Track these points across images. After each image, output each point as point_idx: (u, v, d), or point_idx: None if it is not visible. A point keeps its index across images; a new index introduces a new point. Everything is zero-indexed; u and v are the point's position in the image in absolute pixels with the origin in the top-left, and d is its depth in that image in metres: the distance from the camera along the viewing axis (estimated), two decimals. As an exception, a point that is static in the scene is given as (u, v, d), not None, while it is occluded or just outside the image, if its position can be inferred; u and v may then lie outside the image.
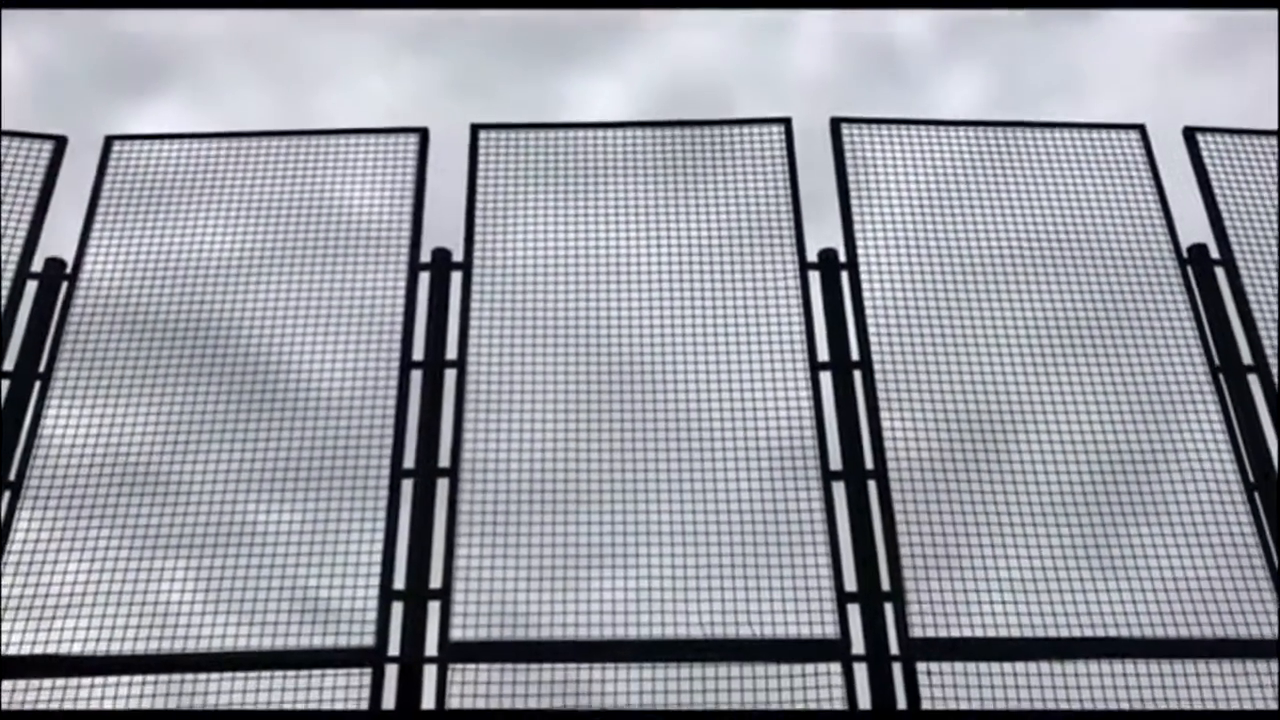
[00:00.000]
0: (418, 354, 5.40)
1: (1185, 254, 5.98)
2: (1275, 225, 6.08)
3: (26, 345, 5.47)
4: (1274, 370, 5.57)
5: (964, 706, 4.62)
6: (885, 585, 4.88)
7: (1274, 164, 6.34)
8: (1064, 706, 4.74)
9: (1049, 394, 5.44)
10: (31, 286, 5.64)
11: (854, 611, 4.81)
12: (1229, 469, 5.29)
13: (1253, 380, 5.55)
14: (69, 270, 5.74)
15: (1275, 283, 5.87)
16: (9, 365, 5.38)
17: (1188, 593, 5.00)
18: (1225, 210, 6.13)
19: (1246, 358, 5.64)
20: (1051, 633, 4.88)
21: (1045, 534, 5.08)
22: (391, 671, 4.56)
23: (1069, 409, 5.38)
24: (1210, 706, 4.80)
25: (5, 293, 5.54)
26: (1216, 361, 5.62)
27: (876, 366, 5.49)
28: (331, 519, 4.95)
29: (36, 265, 5.72)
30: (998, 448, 5.27)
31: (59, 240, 5.91)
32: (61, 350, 5.48)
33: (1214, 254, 5.99)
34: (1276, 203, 6.17)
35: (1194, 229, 6.12)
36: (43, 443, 5.28)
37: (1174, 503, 5.19)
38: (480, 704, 4.59)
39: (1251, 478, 5.27)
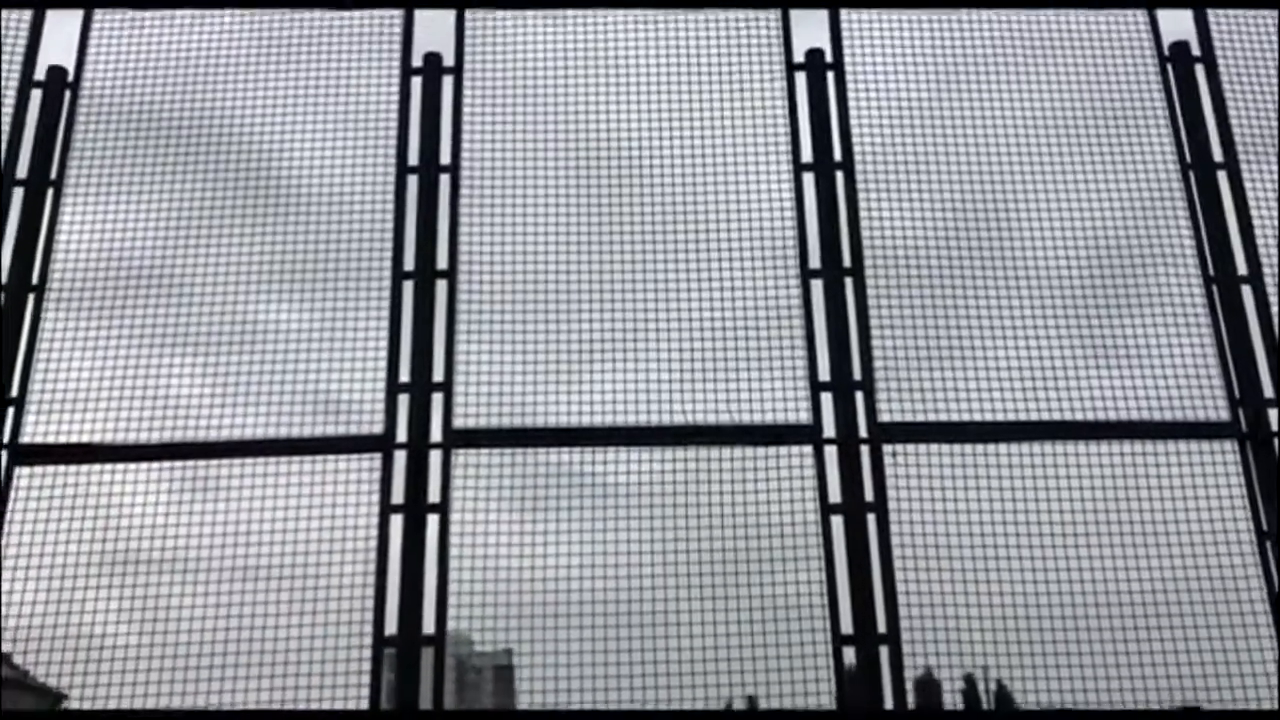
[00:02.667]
0: (413, 159, 5.59)
1: (1167, 52, 6.06)
2: (1256, 24, 6.13)
3: (37, 153, 5.66)
4: (1242, 166, 5.75)
5: (926, 490, 5.02)
6: (857, 375, 5.21)
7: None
8: (1025, 489, 5.14)
9: (1023, 191, 5.64)
10: (36, 95, 5.79)
11: (827, 400, 5.16)
12: (1190, 262, 5.54)
13: (1221, 177, 5.73)
14: (70, 78, 5.87)
15: (1251, 80, 5.97)
16: (22, 173, 5.59)
17: (1144, 378, 5.33)
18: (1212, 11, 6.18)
19: (1218, 155, 5.81)
20: (1013, 417, 5.24)
21: (1012, 326, 5.38)
22: (400, 460, 4.96)
23: (1041, 206, 5.59)
24: (1164, 485, 5.19)
25: (12, 103, 5.70)
26: (1188, 159, 5.79)
27: (858, 168, 5.67)
28: (338, 317, 5.26)
29: (39, 74, 5.85)
30: (970, 245, 5.51)
31: (57, 50, 6.02)
32: (70, 157, 5.68)
33: (1195, 52, 6.07)
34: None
35: (1177, 28, 6.18)
36: (60, 247, 5.54)
37: (1137, 293, 5.47)
38: (483, 486, 5.00)
39: (1211, 271, 5.53)
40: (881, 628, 4.78)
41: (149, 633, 4.99)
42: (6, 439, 4.97)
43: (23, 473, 4.94)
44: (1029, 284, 5.40)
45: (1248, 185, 5.72)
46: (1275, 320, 5.43)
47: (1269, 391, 5.30)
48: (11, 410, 5.04)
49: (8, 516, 4.84)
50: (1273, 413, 5.26)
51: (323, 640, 4.82)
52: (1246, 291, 5.48)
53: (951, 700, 5.01)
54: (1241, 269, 5.54)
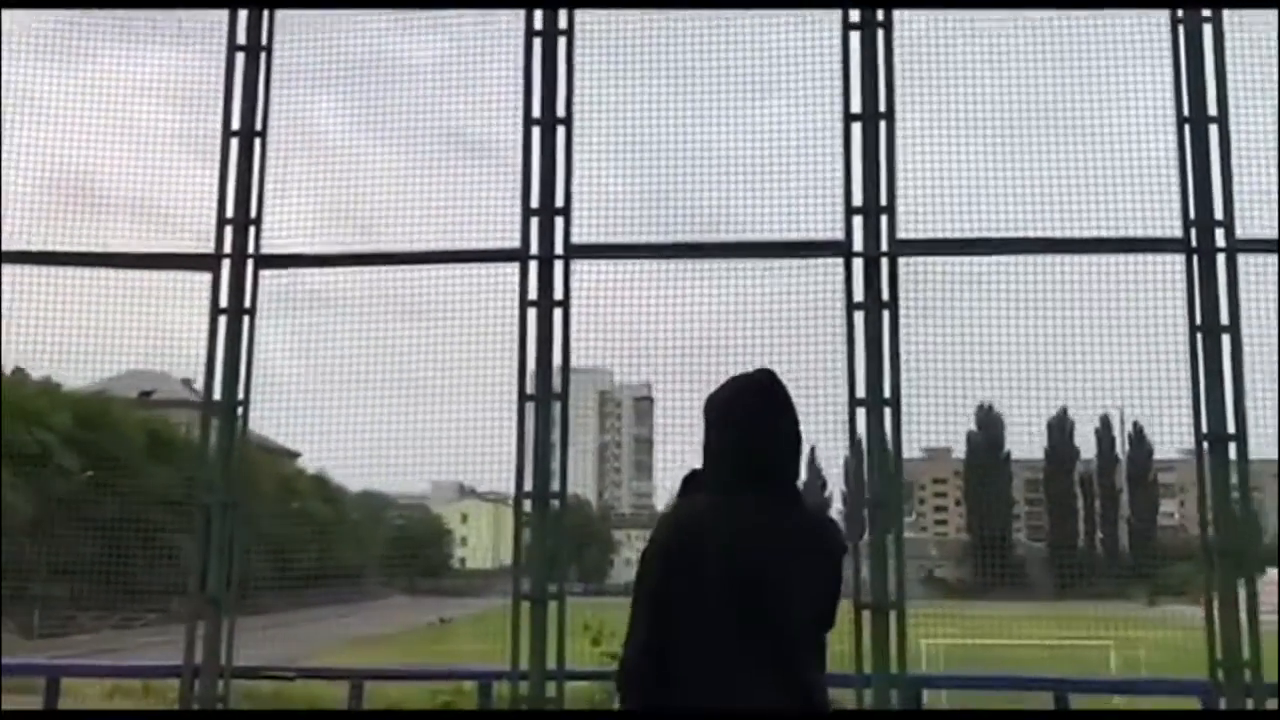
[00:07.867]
0: (538, 24, 7.02)
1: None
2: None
3: None
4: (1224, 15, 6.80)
5: (930, 292, 6.56)
6: (883, 201, 6.67)
7: None
8: (1010, 294, 6.63)
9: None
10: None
11: (858, 221, 6.65)
12: (1168, 105, 6.74)
13: (1205, 28, 6.81)
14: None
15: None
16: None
17: (1112, 203, 6.69)
18: None
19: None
20: (1008, 234, 6.69)
21: (1009, 159, 6.73)
22: (533, 268, 6.69)
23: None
24: (1122, 292, 6.62)
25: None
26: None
27: (896, 21, 6.90)
28: (489, 162, 6.91)
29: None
30: (987, 95, 6.80)
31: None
32: None
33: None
34: None
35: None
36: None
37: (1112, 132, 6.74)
38: (599, 289, 6.73)
39: (1186, 113, 6.71)
40: (887, 394, 6.45)
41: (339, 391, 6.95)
42: (252, 249, 6.84)
43: (265, 274, 6.83)
44: (1024, 130, 6.72)
45: (1227, 29, 6.77)
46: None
47: (1219, 214, 6.60)
48: (253, 229, 6.88)
49: (259, 309, 6.78)
50: (1219, 232, 6.59)
51: (482, 396, 6.74)
52: (1213, 130, 6.68)
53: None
54: (1212, 110, 6.70)
